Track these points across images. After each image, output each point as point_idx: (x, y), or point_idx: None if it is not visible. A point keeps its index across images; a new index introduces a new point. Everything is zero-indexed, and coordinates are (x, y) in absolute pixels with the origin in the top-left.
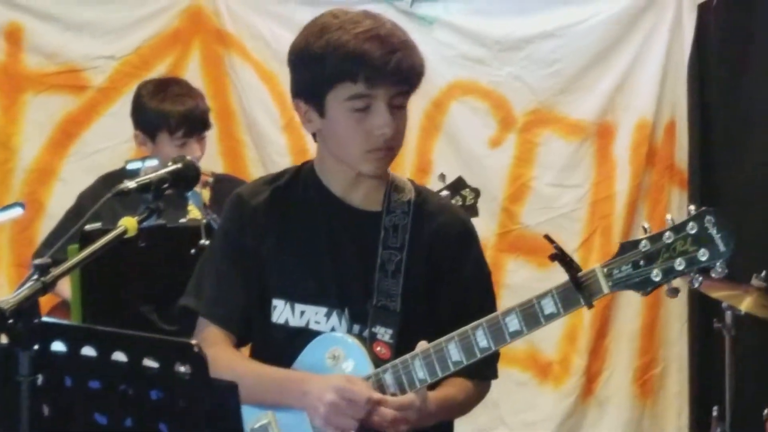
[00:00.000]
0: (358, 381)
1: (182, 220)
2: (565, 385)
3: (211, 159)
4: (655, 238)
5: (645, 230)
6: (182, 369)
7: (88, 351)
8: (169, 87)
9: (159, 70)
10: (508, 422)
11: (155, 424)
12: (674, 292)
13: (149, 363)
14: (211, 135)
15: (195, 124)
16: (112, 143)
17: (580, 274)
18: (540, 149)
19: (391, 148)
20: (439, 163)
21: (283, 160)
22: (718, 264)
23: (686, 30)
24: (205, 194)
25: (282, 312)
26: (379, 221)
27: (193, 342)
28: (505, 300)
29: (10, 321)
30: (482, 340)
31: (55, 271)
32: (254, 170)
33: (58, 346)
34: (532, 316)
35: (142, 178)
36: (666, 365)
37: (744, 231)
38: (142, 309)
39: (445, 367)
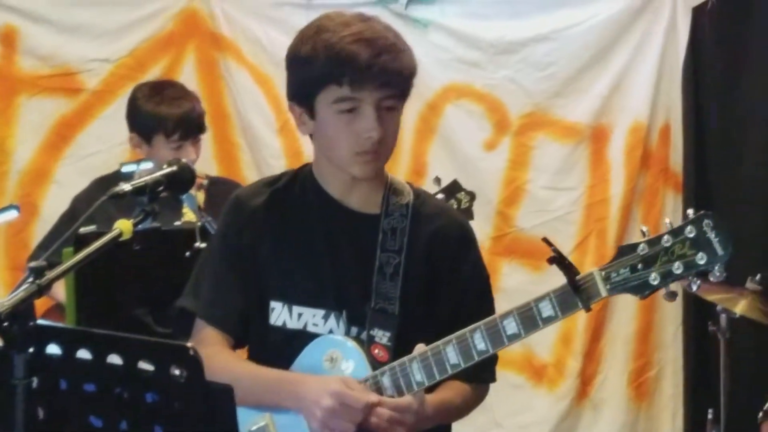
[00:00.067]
0: (355, 384)
1: (177, 223)
2: (560, 387)
3: (205, 162)
4: (654, 242)
5: (643, 233)
6: (177, 372)
7: (83, 354)
8: (165, 90)
9: (154, 73)
10: (503, 425)
11: (150, 427)
12: (672, 295)
13: (144, 366)
14: (206, 138)
15: (191, 127)
16: (106, 146)
17: (578, 277)
18: (535, 152)
19: (379, 151)
20: (434, 166)
21: (278, 163)
22: (716, 268)
23: (681, 33)
24: (200, 197)
25: (280, 314)
26: (378, 224)
27: (189, 345)
28: (500, 303)
29: (6, 324)
30: (480, 343)
31: (51, 274)
32: (249, 173)
33: (53, 349)
34: (530, 319)
35: (138, 181)
36: (661, 368)
37: (739, 234)
38: (137, 312)
39: (442, 370)
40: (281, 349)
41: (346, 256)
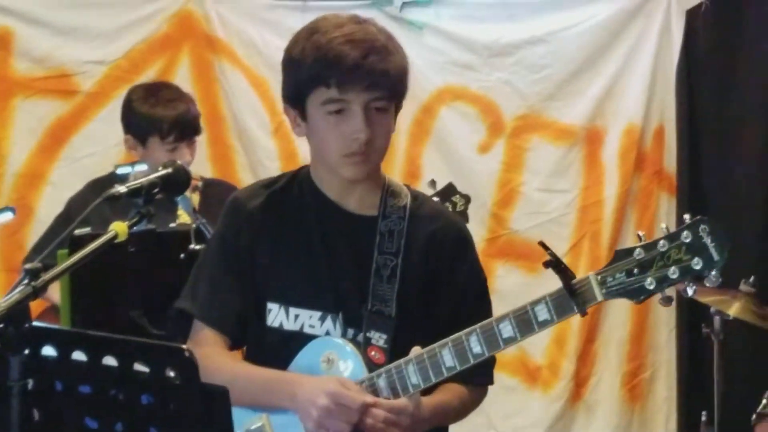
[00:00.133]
0: (351, 385)
1: (172, 225)
2: (554, 389)
3: (200, 164)
4: (650, 247)
5: (639, 238)
6: (173, 374)
7: (78, 356)
8: (160, 91)
9: (148, 75)
10: (497, 427)
11: (146, 429)
12: (668, 300)
13: (140, 368)
14: (201, 140)
15: (186, 128)
16: (101, 148)
17: (574, 281)
18: (529, 154)
19: (368, 152)
20: (428, 169)
21: (272, 165)
22: (712, 273)
23: (675, 36)
24: (195, 199)
25: (277, 315)
26: (375, 226)
27: (184, 346)
28: (495, 305)
29: (1, 326)
30: (476, 346)
31: (46, 276)
32: (244, 175)
33: (48, 351)
34: (525, 322)
35: (133, 183)
36: (655, 370)
37: (733, 236)
38: (132, 313)
39: (438, 372)
40: (278, 350)
41: (343, 258)
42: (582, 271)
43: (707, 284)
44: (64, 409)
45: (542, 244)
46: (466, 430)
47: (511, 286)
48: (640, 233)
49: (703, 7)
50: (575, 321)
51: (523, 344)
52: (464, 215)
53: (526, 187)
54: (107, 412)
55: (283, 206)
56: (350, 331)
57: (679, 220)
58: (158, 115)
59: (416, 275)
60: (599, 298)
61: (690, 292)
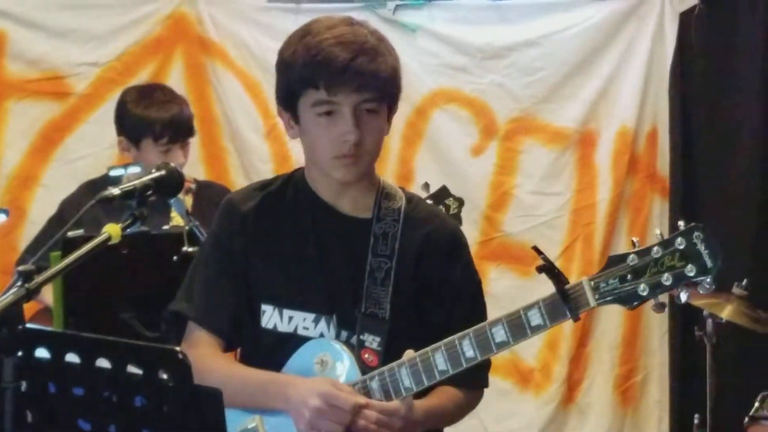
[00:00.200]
0: (343, 386)
1: (165, 227)
2: (547, 392)
3: (193, 166)
4: (643, 253)
5: (634, 244)
6: (166, 376)
7: (71, 358)
8: (154, 93)
9: (141, 77)
10: (490, 429)
11: (139, 431)
12: (661, 307)
13: (133, 370)
14: (194, 142)
15: (179, 130)
16: (94, 150)
17: (567, 286)
18: (522, 157)
19: (359, 154)
20: (421, 171)
21: (265, 167)
22: (705, 280)
23: (668, 38)
24: (188, 201)
25: (271, 317)
26: (369, 228)
27: (177, 349)
28: (488, 308)
29: None
30: (469, 350)
31: (39, 278)
32: (236, 177)
33: (42, 353)
34: (518, 327)
35: (126, 185)
36: (647, 373)
37: (726, 239)
38: (125, 315)
39: (431, 376)
40: (272, 351)
41: (338, 260)
42: (574, 274)
43: (700, 291)
44: (58, 410)
45: (536, 249)
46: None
47: (504, 289)
48: (635, 239)
49: (696, 10)
50: (568, 324)
51: (516, 347)
52: (458, 218)
53: (519, 190)
54: (100, 414)
55: (278, 208)
56: (344, 333)
57: (672, 224)
58: (152, 116)
59: (410, 278)
60: (592, 303)
61: (683, 298)
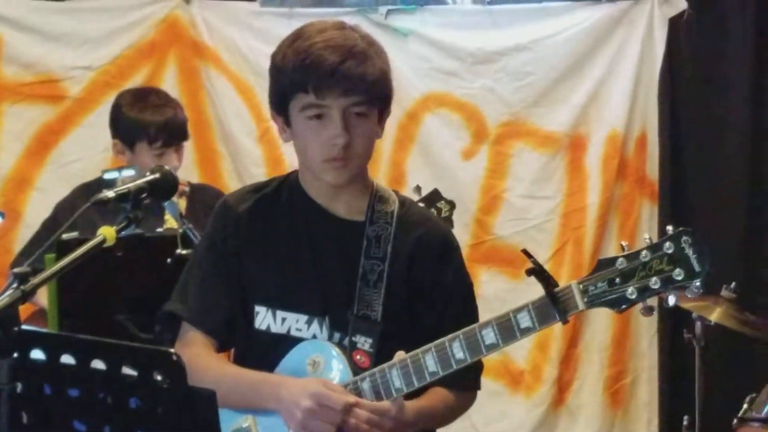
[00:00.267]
0: (334, 386)
1: (159, 230)
2: (537, 394)
3: (187, 169)
4: (632, 257)
5: (623, 248)
6: (160, 377)
7: (66, 359)
8: (149, 97)
9: (136, 81)
10: (481, 431)
11: (134, 431)
12: (649, 310)
13: (128, 371)
14: (187, 145)
15: (174, 134)
16: (88, 153)
17: (556, 289)
18: (512, 161)
19: (348, 157)
20: (413, 175)
21: (258, 171)
22: (693, 284)
23: (657, 43)
24: (182, 204)
25: (264, 318)
26: (362, 231)
27: (172, 350)
28: (479, 310)
29: None
30: (458, 352)
31: (35, 280)
32: (230, 180)
33: (37, 354)
34: (508, 329)
35: (121, 188)
36: (636, 375)
37: (714, 242)
38: (119, 317)
39: (421, 377)
40: (265, 352)
41: (331, 263)
42: (564, 277)
43: (688, 295)
44: (53, 412)
45: (525, 252)
46: None
47: (495, 292)
48: (624, 243)
49: (685, 15)
50: (558, 326)
51: (506, 349)
52: (449, 221)
53: (510, 194)
54: (95, 415)
55: (272, 210)
56: (336, 335)
57: (661, 227)
58: (146, 120)
59: (402, 280)
60: (581, 306)
61: (671, 301)
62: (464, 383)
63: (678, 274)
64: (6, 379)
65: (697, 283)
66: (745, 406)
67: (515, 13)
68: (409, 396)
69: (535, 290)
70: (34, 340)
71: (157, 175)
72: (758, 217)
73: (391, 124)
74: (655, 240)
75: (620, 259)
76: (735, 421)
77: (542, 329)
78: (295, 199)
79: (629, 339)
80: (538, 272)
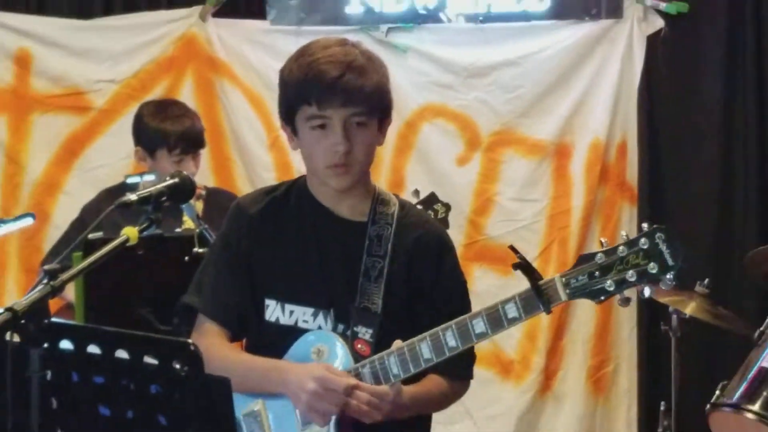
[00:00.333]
0: (337, 370)
1: (177, 230)
2: (526, 381)
3: (203, 174)
4: (610, 252)
5: (602, 244)
6: (179, 366)
7: (93, 349)
8: (169, 108)
9: (156, 93)
10: (474, 415)
11: (154, 416)
12: (626, 301)
13: (149, 360)
14: (204, 152)
15: (191, 142)
16: (112, 160)
17: (540, 282)
18: (503, 167)
19: (349, 164)
20: (412, 180)
21: (268, 176)
22: (666, 276)
23: (636, 58)
24: (198, 206)
25: (274, 311)
26: (365, 231)
27: (190, 341)
28: (472, 304)
29: (23, 321)
30: (451, 340)
31: (63, 276)
32: (242, 185)
33: (65, 345)
34: (496, 319)
35: (143, 192)
36: (617, 364)
37: (689, 242)
38: (141, 311)
39: (417, 364)
40: (274, 342)
41: (335, 260)
42: (551, 273)
43: (662, 287)
44: (80, 398)
45: (512, 248)
46: (445, 417)
47: (487, 287)
48: (603, 240)
49: (662, 33)
50: (545, 319)
51: (497, 340)
52: (445, 222)
53: (501, 197)
54: (119, 401)
55: (282, 212)
56: (340, 326)
57: (640, 228)
58: (166, 129)
59: (401, 276)
60: (563, 298)
61: (647, 293)
62: (458, 373)
63: (653, 267)
64: (37, 367)
65: (670, 276)
66: (717, 392)
67: (505, 31)
68: (407, 382)
69: (523, 286)
70: (62, 331)
71: (176, 180)
72: (730, 219)
73: (392, 132)
74: (631, 237)
75: (599, 255)
76: (708, 406)
77: (528, 319)
78: (303, 202)
79: (611, 331)
80: (524, 266)
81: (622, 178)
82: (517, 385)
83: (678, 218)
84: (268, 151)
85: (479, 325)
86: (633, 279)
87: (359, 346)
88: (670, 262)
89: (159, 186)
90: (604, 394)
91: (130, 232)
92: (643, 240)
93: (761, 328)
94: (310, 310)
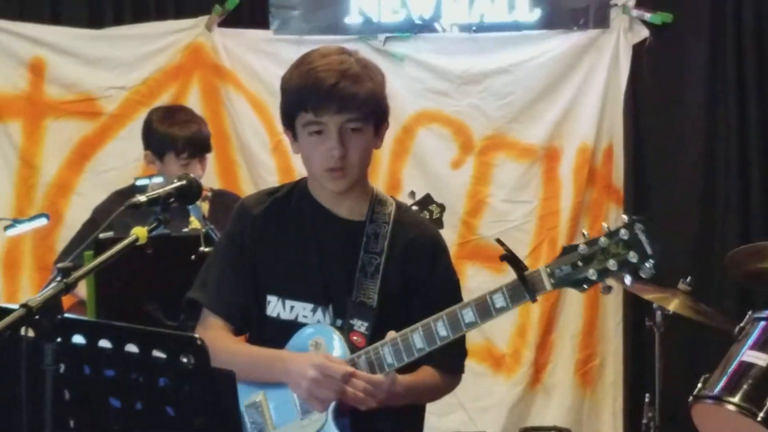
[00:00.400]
0: (335, 358)
1: (184, 230)
2: (516, 374)
3: (208, 177)
4: (592, 243)
5: (584, 236)
6: (186, 359)
7: (104, 343)
8: (177, 114)
9: (164, 100)
10: (467, 407)
11: (163, 408)
12: (608, 289)
13: (158, 354)
14: (210, 156)
15: (198, 146)
16: (122, 163)
17: (526, 272)
18: (495, 170)
19: (345, 167)
20: (408, 182)
21: (271, 178)
22: (646, 265)
23: (622, 67)
24: (205, 207)
25: (275, 307)
26: (363, 230)
27: (196, 336)
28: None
29: (37, 317)
30: (442, 330)
31: (76, 274)
32: (246, 187)
33: (78, 339)
34: (484, 309)
35: (152, 193)
36: (604, 358)
37: (671, 242)
38: (149, 307)
39: (410, 353)
40: (275, 336)
41: (334, 258)
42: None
43: (642, 275)
44: (92, 390)
45: (499, 241)
46: (439, 409)
47: (479, 284)
48: (585, 232)
49: (647, 42)
50: (535, 315)
51: (489, 335)
52: (440, 222)
53: (493, 199)
54: (129, 393)
55: (284, 212)
56: (338, 321)
57: (620, 222)
58: (175, 134)
59: (396, 273)
60: (548, 287)
61: (628, 281)
62: (451, 367)
63: (633, 256)
64: (51, 360)
65: (650, 264)
66: (699, 385)
67: (497, 41)
68: (401, 372)
69: None
70: (75, 326)
71: (183, 182)
72: (711, 219)
73: (389, 137)
74: (612, 228)
75: (582, 246)
76: (690, 398)
77: (515, 307)
78: (304, 203)
79: (597, 327)
80: (510, 258)
81: (609, 180)
82: (509, 378)
83: (662, 219)
84: (270, 154)
85: (468, 315)
86: (614, 268)
87: (354, 338)
88: (649, 250)
89: (167, 188)
90: (592, 387)
91: (140, 232)
92: (623, 231)
93: (741, 324)
94: (309, 306)
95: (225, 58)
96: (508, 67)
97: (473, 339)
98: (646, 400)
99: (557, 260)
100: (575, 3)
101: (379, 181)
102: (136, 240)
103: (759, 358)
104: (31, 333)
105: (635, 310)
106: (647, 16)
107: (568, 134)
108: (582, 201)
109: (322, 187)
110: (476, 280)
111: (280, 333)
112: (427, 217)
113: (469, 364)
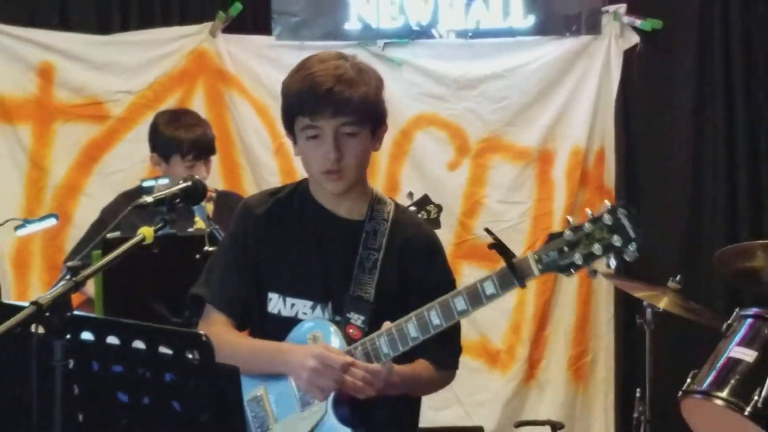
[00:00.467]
0: (334, 349)
1: (189, 230)
2: (511, 370)
3: (213, 178)
4: (577, 229)
5: (569, 222)
6: (192, 355)
7: (112, 340)
8: (182, 117)
9: (169, 104)
10: (462, 402)
11: (169, 403)
12: (593, 273)
13: (164, 350)
14: (214, 158)
15: (203, 149)
16: (129, 165)
17: (514, 259)
18: (491, 172)
19: (341, 170)
20: (406, 184)
21: (273, 180)
22: (629, 248)
23: (614, 72)
24: (209, 208)
25: (276, 304)
26: (362, 228)
27: (202, 332)
28: None
29: (47, 314)
30: (435, 319)
31: (85, 272)
32: (249, 188)
33: (86, 336)
34: (475, 296)
35: (158, 194)
36: (596, 354)
37: (661, 241)
38: (155, 305)
39: (405, 343)
40: (275, 332)
41: (334, 257)
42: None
43: (626, 258)
44: (100, 385)
45: (487, 230)
46: (436, 403)
47: None
48: (569, 218)
49: (637, 48)
50: (529, 311)
51: (485, 331)
52: (437, 222)
53: (488, 200)
54: (136, 388)
55: (285, 212)
56: (337, 318)
57: (603, 208)
58: (180, 137)
59: (393, 270)
60: (536, 273)
61: (612, 264)
62: (446, 362)
63: (617, 240)
64: (60, 356)
65: (633, 248)
66: (688, 380)
67: (493, 46)
68: (397, 363)
69: None
70: (84, 323)
71: (188, 184)
72: (700, 220)
73: (387, 140)
74: (596, 215)
75: (567, 232)
76: (680, 393)
77: (504, 294)
78: (305, 203)
79: (590, 324)
80: (499, 246)
81: (601, 182)
82: (503, 374)
83: (652, 220)
84: (273, 157)
85: (460, 303)
86: (599, 252)
87: (351, 330)
88: (632, 234)
89: (173, 189)
90: (584, 382)
91: (146, 232)
92: (606, 216)
93: (729, 321)
94: (309, 303)
95: (229, 64)
96: (503, 72)
97: (469, 335)
98: (637, 395)
99: (544, 246)
100: (568, 10)
101: (377, 183)
102: (143, 239)
103: (746, 354)
104: (41, 330)
105: (626, 307)
106: (638, 22)
107: (561, 137)
108: (575, 202)
109: (322, 188)
110: (472, 278)
111: (280, 329)
112: (425, 217)
113: (465, 359)
